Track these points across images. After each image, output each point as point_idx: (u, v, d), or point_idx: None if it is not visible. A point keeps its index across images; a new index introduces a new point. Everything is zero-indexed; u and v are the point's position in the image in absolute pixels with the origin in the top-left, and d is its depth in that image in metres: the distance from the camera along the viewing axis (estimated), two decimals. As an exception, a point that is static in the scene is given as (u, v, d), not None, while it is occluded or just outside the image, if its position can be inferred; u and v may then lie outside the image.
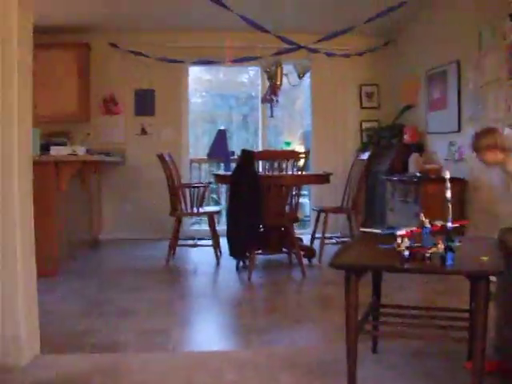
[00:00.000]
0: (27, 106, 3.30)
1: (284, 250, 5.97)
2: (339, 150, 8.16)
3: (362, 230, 3.66)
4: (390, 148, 7.56)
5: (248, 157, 5.34)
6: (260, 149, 8.33)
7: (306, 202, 9.13)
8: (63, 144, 7.18)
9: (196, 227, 8.68)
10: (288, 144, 8.55)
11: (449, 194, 2.47)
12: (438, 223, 2.53)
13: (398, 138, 7.51)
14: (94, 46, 7.86)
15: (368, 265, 2.47)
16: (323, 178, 6.09)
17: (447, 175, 2.46)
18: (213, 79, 10.76)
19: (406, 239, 2.47)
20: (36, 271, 3.35)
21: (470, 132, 5.90)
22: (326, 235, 6.24)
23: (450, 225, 2.43)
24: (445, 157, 6.56)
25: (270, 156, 5.76)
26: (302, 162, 5.87)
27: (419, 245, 2.47)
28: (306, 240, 6.57)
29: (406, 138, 7.29)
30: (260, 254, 5.98)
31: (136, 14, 7.24)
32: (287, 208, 5.74)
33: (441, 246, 2.39)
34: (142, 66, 7.84)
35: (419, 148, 7.10)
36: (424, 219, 2.50)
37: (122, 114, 7.98)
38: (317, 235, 6.41)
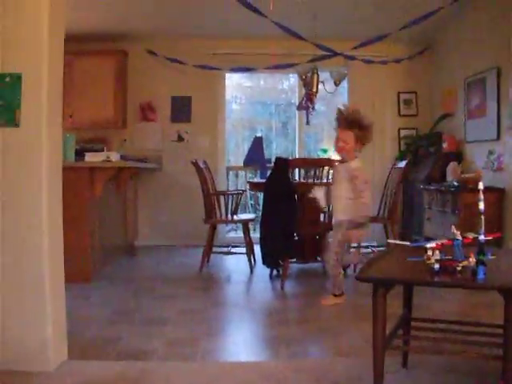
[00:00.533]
0: (57, 113, 3.29)
1: (319, 259, 5.90)
2: (377, 158, 8.06)
3: (389, 241, 3.62)
4: (428, 156, 7.43)
5: (282, 164, 5.29)
6: (297, 156, 8.29)
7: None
8: (100, 150, 7.23)
9: (232, 234, 8.67)
10: (324, 151, 8.46)
11: (482, 206, 2.38)
12: (470, 235, 2.44)
13: (436, 147, 7.37)
14: (131, 53, 7.93)
15: (396, 278, 2.39)
16: (359, 187, 5.99)
17: (481, 186, 2.38)
18: (253, 86, 10.76)
19: (436, 252, 2.39)
20: (64, 277, 3.35)
21: (510, 141, 5.77)
22: (362, 244, 6.15)
23: (482, 237, 2.34)
24: (483, 166, 6.41)
25: (304, 164, 5.70)
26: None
27: (450, 258, 2.39)
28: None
29: (445, 146, 7.16)
30: (294, 262, 5.92)
31: (173, 21, 7.28)
32: (322, 216, 5.68)
33: (472, 260, 2.30)
34: (179, 73, 7.87)
35: (458, 157, 6.96)
36: (455, 231, 2.42)
37: (159, 121, 8.02)
38: (352, 244, 6.32)
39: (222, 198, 6.51)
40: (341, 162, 4.64)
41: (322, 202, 4.82)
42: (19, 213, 3.05)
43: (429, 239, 6.16)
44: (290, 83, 9.80)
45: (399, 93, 8.12)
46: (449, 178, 6.70)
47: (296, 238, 5.86)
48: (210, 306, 4.61)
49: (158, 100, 8.01)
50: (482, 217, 2.36)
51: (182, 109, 7.99)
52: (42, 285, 3.07)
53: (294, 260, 5.88)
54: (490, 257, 2.45)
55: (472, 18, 6.73)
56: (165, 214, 7.97)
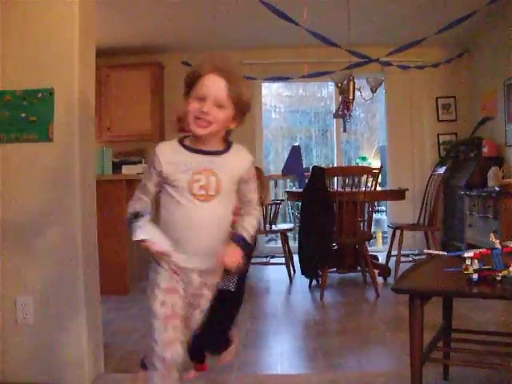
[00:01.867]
0: (90, 126, 3.32)
1: (358, 268, 5.83)
2: (416, 164, 7.95)
3: (426, 251, 3.47)
4: (468, 162, 7.29)
5: (319, 173, 5.24)
6: (335, 164, 8.23)
7: (385, 218, 8.93)
8: (139, 162, 7.28)
9: (272, 244, 8.64)
10: (364, 159, 8.40)
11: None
12: (511, 244, 2.36)
13: (477, 152, 7.23)
14: (167, 66, 7.98)
15: (432, 289, 2.32)
16: (398, 194, 5.92)
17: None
18: (292, 95, 10.75)
19: (475, 261, 2.32)
20: (102, 289, 3.36)
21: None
22: (403, 253, 6.05)
23: (522, 246, 2.26)
24: (526, 170, 6.26)
25: (341, 172, 5.63)
26: (375, 178, 5.71)
27: (489, 267, 2.31)
28: (383, 258, 6.39)
29: (485, 151, 7.01)
30: (334, 272, 5.87)
31: (208, 33, 7.29)
32: (361, 225, 5.61)
33: (512, 269, 2.23)
34: (215, 84, 7.86)
35: (499, 161, 6.81)
36: (494, 240, 2.34)
37: (196, 132, 8.02)
38: (393, 253, 6.23)
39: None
40: (196, 150, 2.22)
41: None
42: (53, 228, 3.07)
43: (470, 246, 6.06)
44: (328, 91, 9.76)
45: (437, 98, 7.99)
46: (490, 183, 6.55)
47: (335, 248, 5.81)
48: (249, 317, 4.57)
49: (194, 111, 8.01)
50: (522, 225, 2.28)
51: (219, 119, 7.96)
52: (77, 298, 3.08)
53: (334, 270, 5.83)
54: (531, 265, 2.36)
55: (508, 19, 6.58)
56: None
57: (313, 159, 10.42)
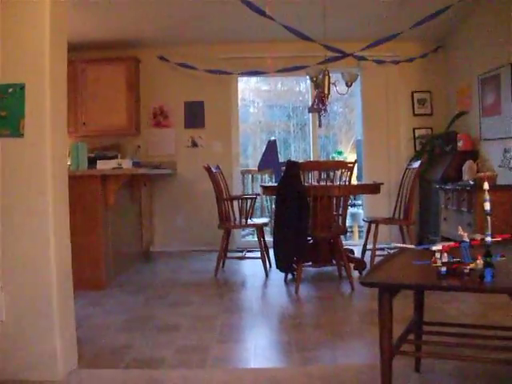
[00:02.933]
0: (62, 122, 3.28)
1: (334, 262, 5.85)
2: (392, 158, 7.99)
3: (395, 245, 3.48)
4: (443, 156, 7.34)
5: (292, 168, 5.25)
6: (312, 158, 8.24)
7: (361, 212, 8.98)
8: (114, 157, 7.24)
9: (250, 238, 8.66)
10: (340, 153, 8.43)
11: (488, 206, 2.32)
12: (478, 237, 2.39)
13: (452, 146, 7.28)
14: (143, 60, 7.94)
15: (401, 283, 2.34)
16: (373, 188, 5.95)
17: (486, 186, 2.32)
18: (271, 90, 10.76)
19: (445, 254, 2.34)
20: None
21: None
22: (379, 246, 6.09)
23: (489, 239, 2.28)
24: (499, 164, 6.32)
25: (316, 166, 5.64)
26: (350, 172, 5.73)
27: (458, 260, 2.34)
28: (358, 252, 6.43)
29: (460, 145, 7.07)
30: (309, 266, 5.89)
31: (184, 28, 7.28)
32: (336, 219, 5.63)
33: (480, 262, 2.25)
34: (191, 79, 7.87)
35: (473, 155, 6.87)
36: (462, 233, 2.37)
37: (172, 127, 8.01)
38: (369, 247, 6.26)
39: (236, 203, 6.50)
40: None
41: None
42: (24, 223, 3.05)
43: (445, 239, 6.11)
44: (306, 85, 9.77)
45: (413, 92, 8.04)
46: (465, 177, 6.62)
47: (310, 242, 5.83)
48: (223, 311, 4.57)
49: (170, 106, 8.00)
50: (489, 218, 2.31)
51: (195, 114, 7.97)
52: (50, 293, 3.07)
53: (310, 264, 5.85)
54: (499, 258, 2.39)
55: (484, 14, 6.64)
56: (180, 219, 7.96)
57: (291, 154, 10.45)
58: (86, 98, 7.68)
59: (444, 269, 2.28)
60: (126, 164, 5.85)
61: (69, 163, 6.78)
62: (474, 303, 4.58)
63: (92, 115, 7.67)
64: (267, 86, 10.77)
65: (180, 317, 4.38)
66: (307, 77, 6.39)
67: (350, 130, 10.72)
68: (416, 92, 8.04)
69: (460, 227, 2.39)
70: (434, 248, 2.33)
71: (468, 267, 2.28)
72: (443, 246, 2.34)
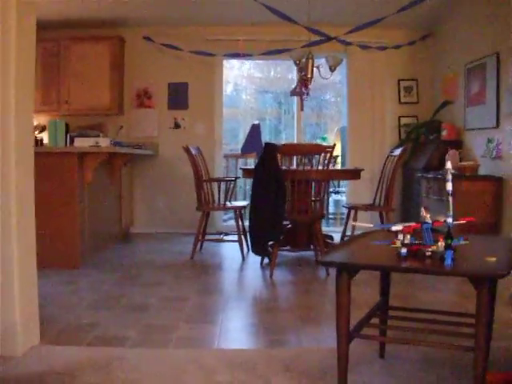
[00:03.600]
0: (27, 97, 3.21)
1: (311, 247, 5.81)
2: (376, 146, 7.94)
3: (352, 223, 3.40)
4: (427, 145, 7.30)
5: (270, 150, 5.19)
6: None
7: (344, 199, 8.96)
8: (96, 137, 7.15)
9: (233, 222, 8.60)
10: (324, 139, 8.38)
11: (450, 187, 2.28)
12: (441, 219, 2.34)
13: (437, 135, 7.24)
14: (128, 40, 7.85)
15: (359, 263, 2.29)
16: (353, 174, 5.91)
17: (449, 165, 2.27)
18: (263, 77, 10.71)
19: (407, 236, 2.30)
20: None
21: (509, 129, 5.64)
22: (358, 233, 6.04)
23: (450, 220, 2.24)
24: (482, 154, 6.28)
25: (294, 149, 5.58)
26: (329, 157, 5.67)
27: (420, 242, 2.29)
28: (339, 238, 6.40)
29: (444, 134, 7.03)
30: (287, 250, 5.85)
31: (170, 8, 7.17)
32: (314, 204, 5.58)
33: (441, 244, 2.20)
34: (176, 60, 7.79)
35: (457, 145, 6.82)
36: (424, 214, 2.31)
37: (156, 108, 7.93)
38: (348, 233, 6.23)
39: (215, 186, 6.46)
40: None
41: None
42: (-15, 195, 2.99)
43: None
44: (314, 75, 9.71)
45: (399, 80, 7.97)
46: (447, 166, 6.56)
47: (289, 226, 5.79)
48: (195, 293, 4.53)
49: (154, 87, 7.92)
50: (450, 198, 2.27)
51: (178, 95, 7.89)
52: (10, 268, 3.00)
53: (287, 248, 5.81)
54: (463, 242, 2.34)
55: (473, 3, 6.58)
56: (161, 201, 7.91)
57: (282, 140, 10.41)
58: (69, 76, 7.58)
59: (404, 250, 2.23)
60: (104, 142, 5.78)
61: (46, 140, 6.72)
62: (451, 291, 4.56)
63: (75, 94, 7.57)
64: (260, 73, 10.71)
65: (150, 297, 4.33)
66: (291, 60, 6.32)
67: (341, 118, 10.68)
68: (402, 80, 7.97)
69: (423, 209, 2.34)
70: (394, 228, 2.28)
71: (429, 249, 2.23)
72: (404, 227, 2.30)
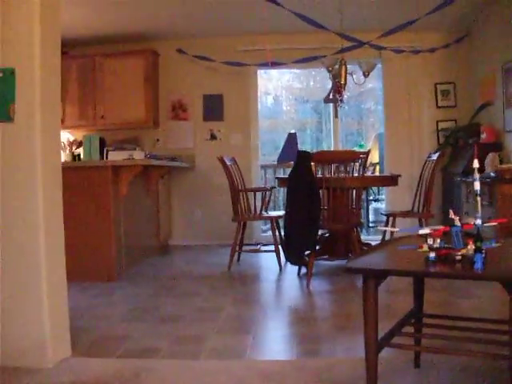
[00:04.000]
0: (53, 108, 3.22)
1: (350, 256, 5.72)
2: (415, 151, 7.80)
3: (379, 228, 3.32)
4: (466, 148, 7.14)
5: (304, 159, 5.13)
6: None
7: (383, 206, 8.83)
8: (133, 149, 7.19)
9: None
10: (361, 146, 8.27)
11: (478, 186, 2.18)
12: (471, 221, 2.24)
13: (476, 138, 7.07)
14: (161, 53, 7.90)
15: (385, 269, 2.21)
16: (389, 180, 5.80)
17: (476, 164, 2.18)
18: (303, 87, 10.68)
19: (437, 240, 2.21)
20: (65, 273, 3.27)
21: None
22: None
23: (479, 222, 2.14)
24: (523, 156, 6.11)
25: (327, 156, 5.50)
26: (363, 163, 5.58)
27: (449, 246, 2.20)
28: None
29: (483, 137, 6.86)
30: (325, 259, 5.77)
31: (202, 20, 7.20)
32: (350, 212, 5.49)
33: (471, 247, 2.11)
34: (210, 71, 7.80)
35: (498, 147, 6.65)
36: (454, 217, 2.23)
37: (191, 120, 7.95)
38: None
39: (252, 196, 6.43)
40: None
41: None
42: (15, 210, 3.00)
43: (466, 234, 5.92)
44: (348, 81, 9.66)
45: (436, 84, 7.83)
46: (487, 169, 6.41)
47: (327, 235, 5.71)
48: (230, 304, 4.48)
49: (189, 99, 7.95)
50: (479, 198, 2.17)
51: (214, 107, 7.90)
52: (39, 282, 3.02)
53: (325, 257, 5.73)
54: (494, 244, 2.25)
55: (508, 2, 6.42)
56: (199, 213, 7.91)
57: (323, 149, 10.35)
58: (104, 91, 7.66)
59: (432, 254, 2.15)
60: (139, 155, 5.80)
61: (82, 155, 6.79)
62: (489, 298, 4.41)
63: (111, 109, 7.65)
64: (299, 83, 10.69)
65: (184, 308, 4.31)
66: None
67: (381, 126, 10.59)
68: (439, 83, 7.83)
69: (451, 210, 2.25)
70: (421, 232, 2.20)
71: (459, 253, 2.14)
72: (433, 230, 2.21)
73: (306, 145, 9.65)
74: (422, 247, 2.17)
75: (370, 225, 9.16)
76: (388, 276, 2.20)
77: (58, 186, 3.26)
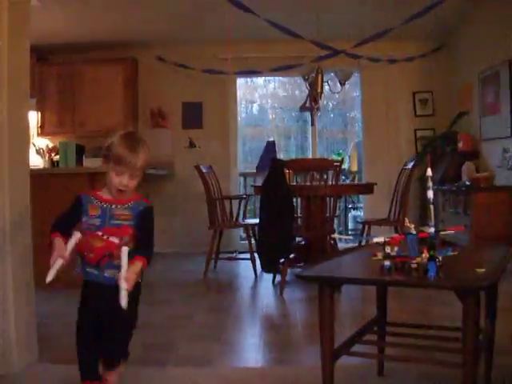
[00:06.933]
0: (22, 116, 3.23)
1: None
2: (393, 160, 7.82)
3: (333, 236, 3.34)
4: (444, 157, 7.19)
5: (278, 166, 5.14)
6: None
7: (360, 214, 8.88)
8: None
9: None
10: (339, 155, 8.29)
11: (431, 195, 2.20)
12: (427, 230, 2.26)
13: (453, 146, 7.13)
14: (141, 60, 7.91)
15: (338, 277, 2.22)
16: (364, 188, 5.83)
17: (429, 173, 2.20)
18: (288, 95, 10.70)
19: (395, 248, 2.23)
20: (32, 279, 3.26)
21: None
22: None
23: (432, 230, 2.16)
24: (499, 164, 6.16)
25: (301, 165, 5.52)
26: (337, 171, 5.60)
27: (404, 254, 2.21)
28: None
29: (460, 145, 6.92)
30: (301, 267, 5.77)
31: (181, 28, 7.23)
32: (323, 220, 5.51)
33: (425, 256, 2.13)
34: (189, 79, 7.81)
35: (473, 156, 6.71)
36: (409, 224, 2.24)
37: (170, 127, 7.96)
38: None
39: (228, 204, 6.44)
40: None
41: None
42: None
43: (445, 242, 5.96)
44: (324, 91, 9.70)
45: (414, 93, 7.89)
46: (464, 177, 6.47)
47: (302, 243, 5.72)
48: (202, 311, 4.48)
49: (168, 106, 7.95)
50: (432, 206, 2.19)
51: (193, 115, 7.90)
52: (4, 287, 3.01)
53: (301, 265, 5.73)
54: (450, 253, 2.27)
55: (485, 11, 6.49)
56: (177, 220, 7.89)
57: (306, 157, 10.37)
58: (83, 98, 7.65)
59: (387, 263, 2.16)
60: (114, 162, 5.78)
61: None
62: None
63: (90, 116, 7.63)
64: (285, 91, 10.72)
65: (156, 315, 4.28)
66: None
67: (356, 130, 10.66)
68: (417, 92, 7.89)
69: (406, 219, 2.27)
70: (376, 240, 2.22)
71: (415, 261, 2.15)
72: (389, 239, 2.23)
73: (290, 153, 9.66)
74: (376, 255, 2.19)
75: (349, 233, 9.19)
76: (343, 284, 2.21)
77: (26, 195, 3.25)
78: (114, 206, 2.35)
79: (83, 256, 2.34)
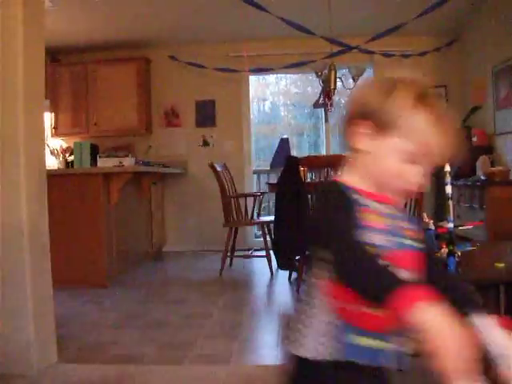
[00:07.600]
0: (38, 117, 3.24)
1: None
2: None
3: None
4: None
5: (292, 163, 5.13)
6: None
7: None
8: (125, 157, 7.19)
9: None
10: (355, 151, 8.25)
11: (449, 190, 2.20)
12: (445, 224, 2.26)
13: (468, 141, 7.08)
14: (154, 60, 7.91)
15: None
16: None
17: (448, 168, 2.20)
18: (299, 92, 10.68)
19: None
20: (51, 282, 3.28)
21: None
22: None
23: (451, 226, 2.16)
24: (512, 158, 6.12)
25: (315, 161, 5.50)
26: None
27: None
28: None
29: (474, 140, 6.87)
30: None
31: (193, 26, 7.21)
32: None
33: (445, 251, 2.13)
34: (202, 78, 7.80)
35: (488, 150, 6.66)
36: (427, 220, 2.24)
37: (184, 126, 7.96)
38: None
39: (242, 201, 6.44)
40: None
41: None
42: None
43: (457, 237, 5.93)
44: (337, 87, 9.68)
45: (428, 88, 7.84)
46: (479, 172, 6.42)
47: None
48: (218, 310, 4.49)
49: (181, 105, 7.95)
50: (450, 202, 2.18)
51: (206, 113, 7.90)
52: (23, 287, 3.03)
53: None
54: (469, 248, 2.26)
55: (495, 5, 6.44)
56: (192, 219, 7.90)
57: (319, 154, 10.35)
58: (97, 98, 7.67)
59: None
60: (129, 162, 5.80)
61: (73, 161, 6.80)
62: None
63: (103, 116, 7.65)
64: (297, 88, 10.69)
65: (172, 314, 4.31)
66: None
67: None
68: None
69: (425, 214, 2.26)
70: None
71: (433, 256, 2.14)
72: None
73: (303, 150, 9.64)
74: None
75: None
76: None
77: (44, 196, 3.27)
78: None
79: None
